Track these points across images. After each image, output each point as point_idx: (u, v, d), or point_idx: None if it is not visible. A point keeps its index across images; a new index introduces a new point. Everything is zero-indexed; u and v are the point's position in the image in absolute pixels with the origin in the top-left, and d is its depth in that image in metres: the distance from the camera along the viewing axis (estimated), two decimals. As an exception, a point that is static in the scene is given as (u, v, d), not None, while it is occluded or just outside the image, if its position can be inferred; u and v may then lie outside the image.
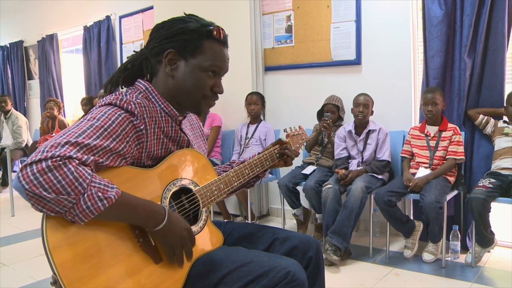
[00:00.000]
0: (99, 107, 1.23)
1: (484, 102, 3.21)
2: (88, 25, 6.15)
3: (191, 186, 1.37)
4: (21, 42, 7.51)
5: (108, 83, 1.40)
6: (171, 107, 1.36)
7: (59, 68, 6.89)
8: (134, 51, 1.44)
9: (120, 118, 1.18)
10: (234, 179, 1.48)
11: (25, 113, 7.40)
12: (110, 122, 1.16)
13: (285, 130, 1.83)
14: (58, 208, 1.02)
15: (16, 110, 6.78)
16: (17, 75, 7.62)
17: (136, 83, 1.37)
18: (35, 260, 3.28)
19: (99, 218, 1.08)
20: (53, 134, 5.63)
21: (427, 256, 3.05)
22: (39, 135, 5.99)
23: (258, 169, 1.57)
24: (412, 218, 3.39)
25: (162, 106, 1.34)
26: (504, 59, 3.08)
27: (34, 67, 7.41)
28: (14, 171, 6.69)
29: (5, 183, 6.05)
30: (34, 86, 7.46)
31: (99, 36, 5.99)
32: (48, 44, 6.82)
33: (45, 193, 0.99)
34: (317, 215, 3.57)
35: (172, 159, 1.34)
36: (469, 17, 3.08)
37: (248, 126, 4.12)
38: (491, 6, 3.05)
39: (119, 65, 5.79)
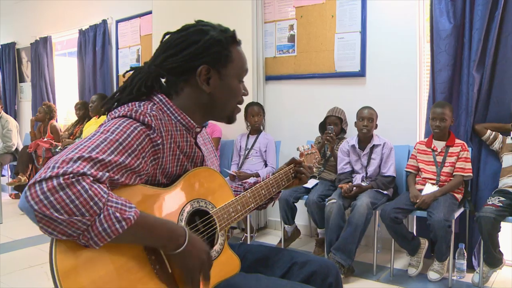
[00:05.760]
0: (112, 119, 1.13)
1: (492, 117, 3.15)
2: (83, 29, 6.02)
3: (208, 207, 1.27)
4: (14, 44, 7.35)
5: (109, 100, 1.28)
6: (189, 118, 1.26)
7: (52, 72, 6.73)
8: (131, 67, 1.32)
9: (136, 131, 1.09)
10: (251, 200, 1.40)
11: (15, 116, 7.22)
12: (125, 135, 1.06)
13: (298, 149, 1.79)
14: (71, 231, 0.92)
15: (7, 113, 6.61)
16: (9, 78, 7.44)
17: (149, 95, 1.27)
18: (25, 272, 3.12)
19: (114, 241, 0.97)
20: (45, 139, 5.49)
21: (432, 275, 2.97)
22: (30, 140, 5.84)
23: (274, 190, 1.52)
24: (415, 235, 3.31)
25: (179, 118, 1.25)
26: (513, 74, 3.03)
27: (26, 69, 7.25)
28: (3, 175, 6.53)
29: (-7, 189, 5.87)
30: (26, 89, 7.29)
31: (94, 40, 5.86)
32: (41, 46, 6.66)
33: (56, 214, 0.89)
34: (318, 230, 3.48)
35: (188, 178, 1.25)
36: (479, 31, 3.02)
37: (248, 137, 4.02)
38: (501, 21, 3.00)
39: (114, 70, 5.72)
